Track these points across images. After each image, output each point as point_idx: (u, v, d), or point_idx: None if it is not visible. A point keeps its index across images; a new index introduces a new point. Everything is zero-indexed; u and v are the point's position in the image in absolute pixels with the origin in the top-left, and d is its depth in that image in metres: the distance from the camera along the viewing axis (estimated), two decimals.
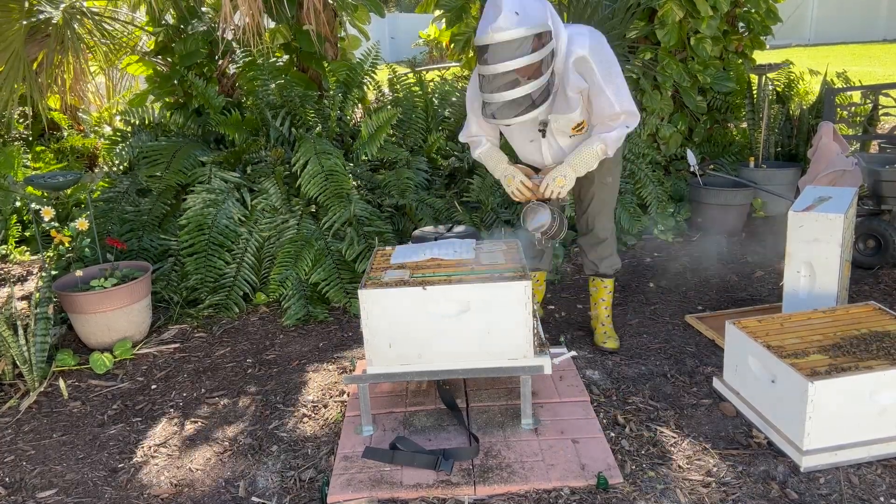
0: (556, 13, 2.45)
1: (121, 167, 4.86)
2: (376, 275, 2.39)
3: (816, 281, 2.81)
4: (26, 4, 4.32)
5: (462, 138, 2.89)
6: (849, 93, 5.77)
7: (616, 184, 2.92)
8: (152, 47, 4.99)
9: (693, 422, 2.45)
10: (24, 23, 4.17)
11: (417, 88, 4.89)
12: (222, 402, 2.79)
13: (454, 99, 5.00)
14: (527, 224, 2.69)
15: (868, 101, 5.38)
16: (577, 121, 2.56)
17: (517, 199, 2.75)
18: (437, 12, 5.93)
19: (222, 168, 4.04)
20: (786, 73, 5.89)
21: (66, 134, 6.22)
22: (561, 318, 3.38)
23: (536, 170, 2.78)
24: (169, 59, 4.74)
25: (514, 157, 2.90)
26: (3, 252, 4.76)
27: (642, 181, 4.59)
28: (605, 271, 3.02)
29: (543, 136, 2.65)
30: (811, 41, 17.37)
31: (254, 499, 2.18)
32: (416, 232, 3.17)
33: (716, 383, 2.63)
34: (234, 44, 4.60)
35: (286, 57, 4.77)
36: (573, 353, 2.59)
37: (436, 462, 2.19)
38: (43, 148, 5.85)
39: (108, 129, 6.28)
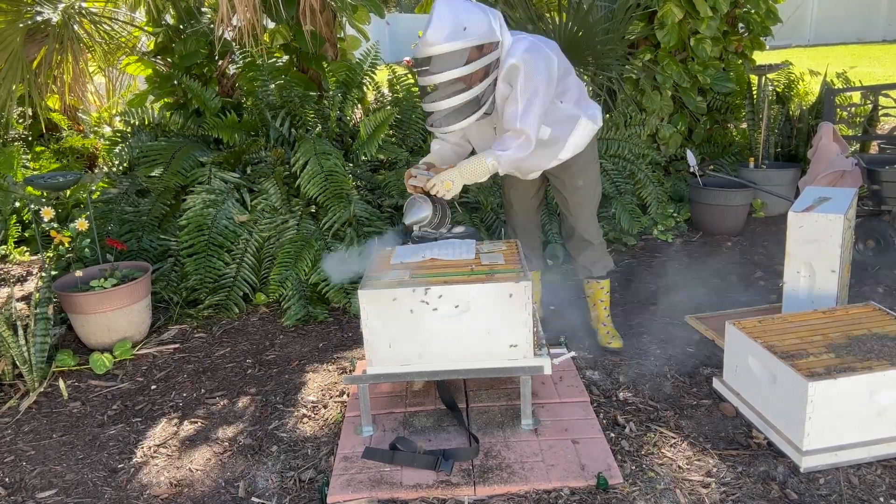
0: (504, 21, 2.46)
1: (120, 168, 4.86)
2: (376, 275, 2.39)
3: (816, 281, 2.82)
4: (25, 5, 4.32)
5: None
6: (849, 93, 5.77)
7: (592, 185, 2.88)
8: (152, 47, 4.99)
9: (693, 422, 2.45)
10: (21, 25, 4.17)
11: (416, 88, 4.89)
12: (222, 403, 2.79)
13: None
14: (406, 217, 2.68)
15: (868, 101, 5.38)
16: None
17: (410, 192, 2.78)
18: None
19: (222, 168, 4.04)
20: (785, 73, 5.89)
21: (65, 134, 6.22)
22: (561, 319, 3.38)
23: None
24: (169, 60, 4.74)
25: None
26: (3, 252, 4.76)
27: (642, 181, 4.59)
28: (599, 273, 3.01)
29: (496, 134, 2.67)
30: (811, 41, 17.38)
31: (253, 499, 2.17)
32: (416, 232, 3.17)
33: (716, 383, 2.63)
34: (234, 44, 4.60)
35: (286, 57, 4.77)
36: (573, 353, 2.59)
37: (436, 462, 2.19)
38: (42, 148, 5.85)
39: (107, 130, 6.28)
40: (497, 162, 2.51)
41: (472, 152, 2.86)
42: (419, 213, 2.63)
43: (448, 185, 2.54)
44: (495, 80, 2.47)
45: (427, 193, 2.59)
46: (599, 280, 3.03)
